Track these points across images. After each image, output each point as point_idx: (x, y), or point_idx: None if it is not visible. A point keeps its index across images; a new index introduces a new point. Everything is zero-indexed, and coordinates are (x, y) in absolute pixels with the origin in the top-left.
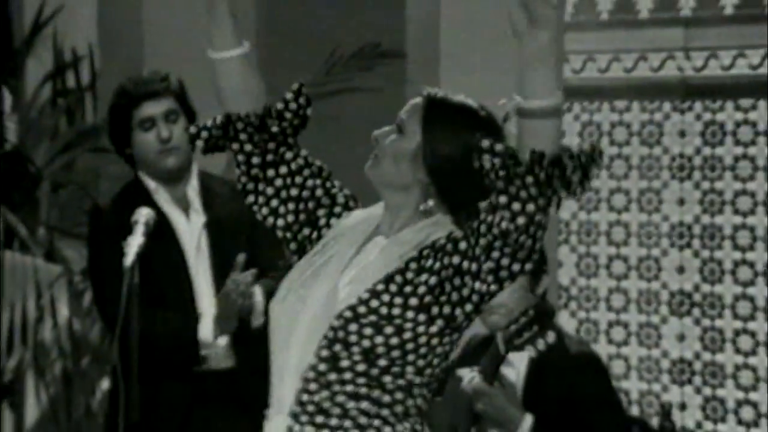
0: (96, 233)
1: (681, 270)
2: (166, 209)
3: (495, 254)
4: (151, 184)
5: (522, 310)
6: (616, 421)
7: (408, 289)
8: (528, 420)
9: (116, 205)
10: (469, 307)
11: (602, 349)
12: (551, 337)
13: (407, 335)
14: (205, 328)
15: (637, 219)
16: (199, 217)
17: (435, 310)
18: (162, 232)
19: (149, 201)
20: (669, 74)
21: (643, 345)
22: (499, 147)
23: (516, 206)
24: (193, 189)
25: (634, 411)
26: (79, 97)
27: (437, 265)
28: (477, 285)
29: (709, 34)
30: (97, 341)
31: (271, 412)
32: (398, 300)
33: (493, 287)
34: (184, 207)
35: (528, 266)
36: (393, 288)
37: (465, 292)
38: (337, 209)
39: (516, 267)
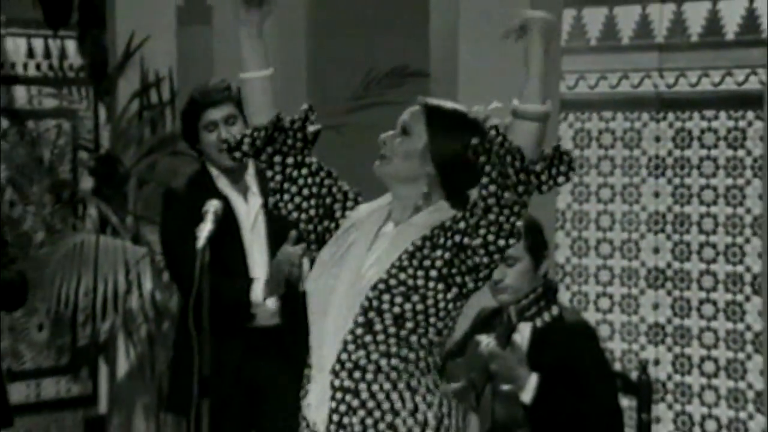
0: (169, 210)
1: (656, 250)
2: (227, 193)
3: (482, 231)
4: (214, 172)
5: (527, 290)
6: (604, 375)
7: (427, 263)
8: (534, 378)
9: (187, 188)
10: (475, 276)
11: (591, 316)
12: (555, 310)
13: (429, 301)
14: (257, 291)
15: (620, 209)
16: (256, 199)
17: (450, 279)
18: (224, 213)
19: (213, 186)
20: (646, 90)
21: (624, 312)
22: (489, 144)
23: (501, 192)
24: (250, 176)
25: (617, 366)
26: (161, 110)
27: (448, 242)
28: (476, 258)
29: (678, 57)
30: (175, 309)
31: (314, 371)
32: (420, 272)
33: (485, 260)
34: (243, 191)
35: (512, 242)
36: (415, 263)
37: (470, 263)
38: (349, 203)
39: (501, 243)
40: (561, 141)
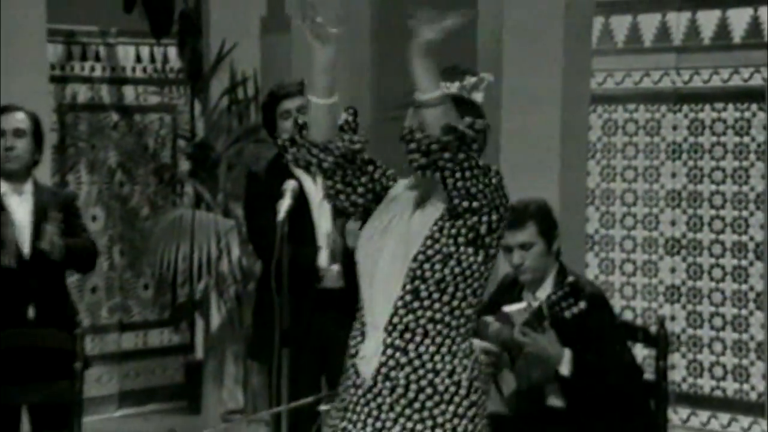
0: (251, 189)
1: (673, 223)
2: (299, 175)
3: (455, 198)
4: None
5: (544, 268)
6: (616, 338)
7: (453, 231)
8: (567, 353)
9: (266, 170)
10: (494, 235)
11: (616, 278)
12: (582, 305)
13: (464, 264)
14: (322, 257)
15: (642, 187)
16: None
17: (477, 242)
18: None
19: (288, 169)
20: (665, 86)
21: (645, 276)
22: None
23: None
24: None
25: (638, 321)
26: (246, 105)
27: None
28: (468, 221)
29: (693, 58)
30: (258, 272)
31: (368, 328)
32: (450, 240)
33: (475, 218)
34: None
35: (476, 204)
36: (444, 232)
37: (483, 227)
38: (391, 183)
39: (475, 204)
40: (592, 129)
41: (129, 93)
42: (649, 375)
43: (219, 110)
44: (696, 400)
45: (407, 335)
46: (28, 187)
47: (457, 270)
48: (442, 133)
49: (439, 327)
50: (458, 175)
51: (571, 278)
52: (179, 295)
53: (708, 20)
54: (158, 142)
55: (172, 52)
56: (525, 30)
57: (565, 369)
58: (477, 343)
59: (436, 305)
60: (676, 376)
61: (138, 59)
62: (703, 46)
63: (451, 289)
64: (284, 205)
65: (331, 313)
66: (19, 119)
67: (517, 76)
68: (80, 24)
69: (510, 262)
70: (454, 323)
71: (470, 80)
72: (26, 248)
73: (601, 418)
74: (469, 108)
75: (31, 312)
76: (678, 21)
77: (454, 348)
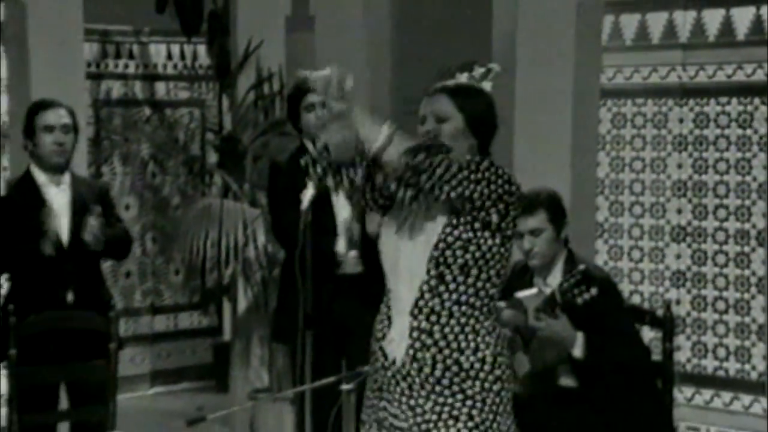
0: (274, 181)
1: (679, 211)
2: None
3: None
4: (310, 147)
5: (552, 254)
6: (625, 321)
7: (469, 218)
8: (580, 337)
9: (289, 162)
10: (508, 220)
11: (624, 264)
12: (594, 291)
13: (484, 248)
14: (340, 244)
15: (650, 177)
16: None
17: (492, 227)
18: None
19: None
20: (671, 81)
21: (652, 261)
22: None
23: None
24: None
25: (646, 305)
26: (272, 100)
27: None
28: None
29: (698, 54)
30: (282, 258)
31: (393, 312)
32: (468, 227)
33: (483, 212)
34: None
35: (477, 204)
36: (462, 219)
37: (494, 216)
38: None
39: (453, 194)
40: (601, 122)
41: (160, 89)
42: (656, 356)
43: (246, 105)
44: (700, 380)
45: (433, 318)
46: (66, 178)
47: (477, 254)
48: (404, 163)
49: (463, 308)
50: (446, 188)
51: (582, 266)
52: (208, 280)
53: (713, 19)
54: (188, 135)
55: (202, 50)
56: (538, 28)
57: (577, 351)
58: None
59: (461, 288)
60: (681, 357)
61: (169, 57)
62: (708, 43)
63: (474, 272)
64: (308, 194)
65: (351, 298)
66: (63, 114)
67: (530, 72)
68: (114, 24)
69: (520, 248)
70: (478, 303)
71: (479, 70)
72: (65, 237)
73: (611, 397)
74: (479, 96)
75: (69, 296)
76: (684, 19)
77: (478, 326)
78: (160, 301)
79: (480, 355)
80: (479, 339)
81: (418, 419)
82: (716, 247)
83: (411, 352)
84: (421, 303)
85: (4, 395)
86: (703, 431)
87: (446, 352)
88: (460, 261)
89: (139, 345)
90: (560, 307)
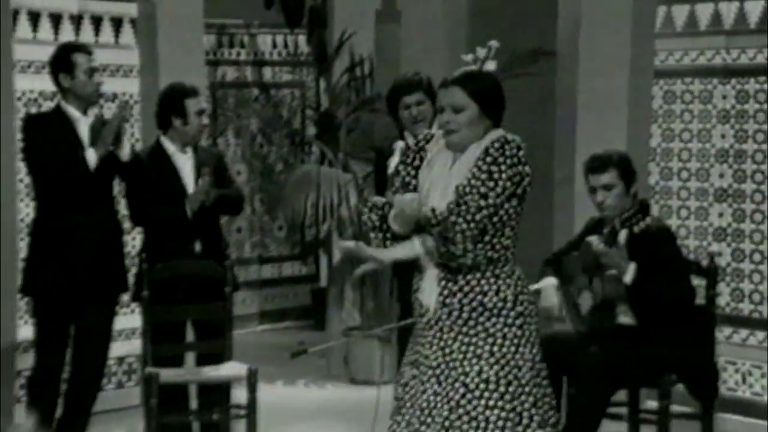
0: (378, 162)
1: (721, 175)
2: (410, 143)
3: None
4: (407, 133)
5: (622, 208)
6: (679, 263)
7: (485, 176)
8: (632, 265)
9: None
10: (524, 186)
11: (673, 222)
12: (648, 220)
13: (501, 212)
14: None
15: (696, 146)
16: None
17: (512, 199)
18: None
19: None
20: (716, 63)
21: (697, 219)
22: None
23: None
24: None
25: (692, 257)
26: (363, 81)
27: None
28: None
29: (740, 39)
30: None
31: (423, 266)
32: (482, 183)
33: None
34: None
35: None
36: (477, 175)
37: (518, 188)
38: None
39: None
40: (654, 98)
41: (267, 73)
42: (700, 300)
43: (340, 86)
44: (737, 321)
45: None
46: (189, 148)
47: (492, 210)
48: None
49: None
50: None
51: (642, 198)
52: (307, 234)
53: (754, 8)
54: (290, 112)
55: (302, 39)
56: (599, 18)
57: (628, 277)
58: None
59: (479, 245)
60: (721, 301)
61: (274, 45)
62: (749, 29)
63: (491, 231)
64: (393, 161)
65: None
66: (204, 101)
67: (591, 57)
68: (229, 18)
69: (594, 201)
70: (495, 255)
71: (480, 51)
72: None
73: (663, 333)
74: (487, 82)
75: (197, 247)
76: (728, 9)
77: (497, 271)
78: (267, 252)
79: (501, 295)
80: (500, 282)
81: (447, 358)
82: (753, 206)
83: (440, 299)
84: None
85: (139, 329)
86: (740, 365)
87: (471, 296)
88: (477, 217)
89: (249, 289)
90: (622, 243)
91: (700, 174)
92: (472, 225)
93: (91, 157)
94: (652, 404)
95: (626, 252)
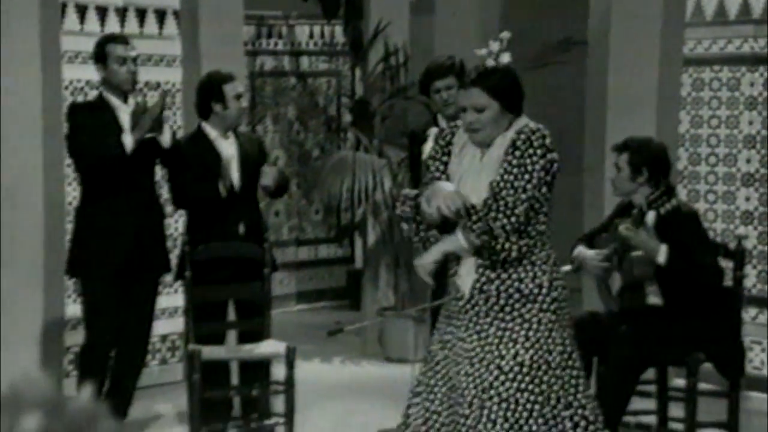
0: (412, 145)
1: (748, 161)
2: (443, 125)
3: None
4: (440, 119)
5: (624, 191)
6: (706, 246)
7: (516, 170)
8: (664, 247)
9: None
10: (552, 175)
11: (701, 205)
12: (675, 201)
13: (530, 193)
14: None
15: (724, 132)
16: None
17: (538, 177)
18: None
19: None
20: (744, 51)
21: (725, 203)
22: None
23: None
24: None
25: (719, 239)
26: (397, 70)
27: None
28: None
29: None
30: None
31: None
32: (516, 178)
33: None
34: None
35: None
36: (509, 169)
37: (539, 167)
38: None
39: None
40: (683, 86)
41: (304, 62)
42: (727, 282)
43: (375, 75)
44: (763, 302)
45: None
46: (231, 133)
47: (523, 196)
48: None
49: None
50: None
51: (668, 181)
52: (343, 218)
53: None
54: (327, 99)
55: (339, 30)
56: (629, 8)
57: (661, 258)
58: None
59: (513, 235)
60: (748, 283)
61: (311, 36)
62: None
63: (523, 218)
64: (427, 147)
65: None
66: (242, 85)
67: (622, 46)
68: (268, 10)
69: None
70: (531, 242)
71: (493, 45)
72: (236, 180)
73: (691, 313)
74: (506, 77)
75: (241, 228)
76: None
77: (533, 258)
78: (304, 235)
79: (537, 281)
80: (536, 268)
81: (482, 342)
82: None
83: (478, 285)
84: (485, 237)
85: (182, 308)
86: (765, 345)
87: (508, 282)
88: (510, 204)
89: (287, 270)
90: (649, 223)
91: (728, 159)
92: (513, 219)
93: (128, 141)
94: (680, 382)
95: (654, 233)
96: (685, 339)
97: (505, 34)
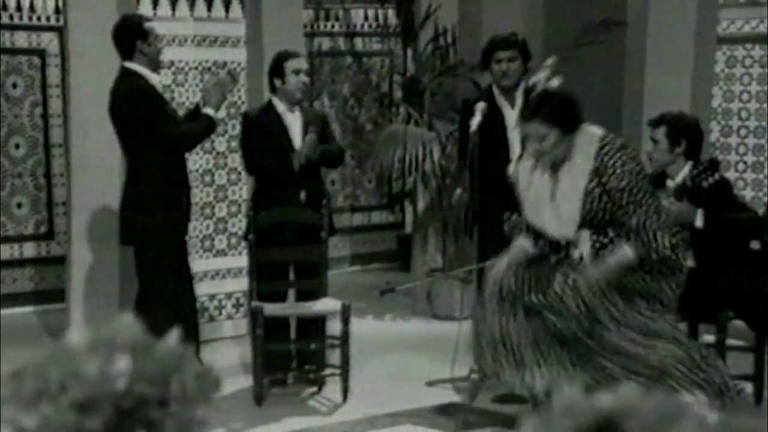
0: (464, 115)
1: None
2: (500, 103)
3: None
4: (495, 90)
5: (663, 162)
6: (742, 211)
7: (624, 182)
8: (700, 211)
9: (477, 97)
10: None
11: (732, 174)
12: (717, 176)
13: (614, 200)
14: (510, 168)
15: (754, 106)
16: (518, 108)
17: (642, 173)
18: (494, 116)
19: (491, 97)
20: None
21: (753, 172)
22: None
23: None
24: (519, 94)
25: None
26: (446, 50)
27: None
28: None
29: None
30: (454, 169)
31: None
32: (633, 187)
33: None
34: (511, 102)
35: None
36: (618, 186)
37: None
38: None
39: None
40: (717, 63)
41: (359, 43)
42: (755, 246)
43: (425, 54)
44: None
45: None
46: (297, 108)
47: (608, 204)
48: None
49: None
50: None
51: (711, 156)
52: (394, 186)
53: None
54: (380, 77)
55: (391, 12)
56: None
57: (699, 221)
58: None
59: (600, 230)
60: None
61: (366, 18)
62: None
63: (607, 217)
64: (475, 121)
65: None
66: (304, 62)
67: (659, 26)
68: None
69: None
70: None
71: (540, 75)
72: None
73: (722, 273)
74: (561, 104)
75: (302, 195)
76: None
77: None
78: (357, 202)
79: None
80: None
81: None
82: None
83: (592, 251)
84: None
85: (246, 269)
86: None
87: (609, 249)
88: (599, 207)
89: (342, 235)
90: (688, 193)
91: (758, 131)
92: (657, 219)
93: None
94: (710, 338)
95: (691, 203)
96: (715, 297)
97: (550, 61)
